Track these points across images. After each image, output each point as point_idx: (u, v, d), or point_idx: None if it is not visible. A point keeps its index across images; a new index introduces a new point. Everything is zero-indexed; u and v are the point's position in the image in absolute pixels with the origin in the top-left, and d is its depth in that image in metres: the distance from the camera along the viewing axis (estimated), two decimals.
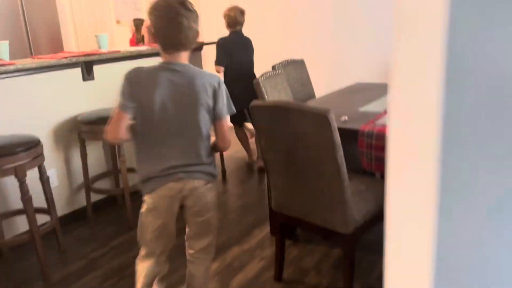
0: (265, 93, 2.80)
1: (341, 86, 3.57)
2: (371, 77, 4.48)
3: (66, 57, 2.86)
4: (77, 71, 3.07)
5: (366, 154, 2.17)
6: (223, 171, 3.94)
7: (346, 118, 2.45)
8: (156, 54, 3.64)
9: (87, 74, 3.13)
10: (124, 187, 2.97)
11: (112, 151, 3.31)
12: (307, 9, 4.74)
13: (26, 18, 5.52)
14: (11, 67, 2.55)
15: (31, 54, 5.54)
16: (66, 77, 3.00)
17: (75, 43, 6.01)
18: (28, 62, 2.77)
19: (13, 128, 2.72)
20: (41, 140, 2.61)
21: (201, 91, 1.68)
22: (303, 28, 4.81)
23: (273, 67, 3.43)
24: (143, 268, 1.81)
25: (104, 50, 3.25)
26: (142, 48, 3.45)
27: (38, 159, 2.41)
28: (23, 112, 2.78)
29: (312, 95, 3.69)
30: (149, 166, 1.71)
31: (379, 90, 3.27)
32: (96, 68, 3.17)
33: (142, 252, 1.83)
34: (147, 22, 1.71)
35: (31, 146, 2.36)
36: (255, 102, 2.03)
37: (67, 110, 3.05)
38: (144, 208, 1.75)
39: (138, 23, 5.28)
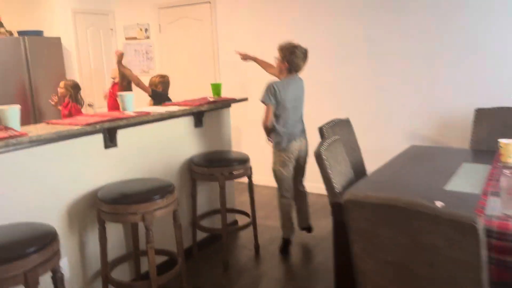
0: (328, 167, 2.33)
1: (388, 147, 3.13)
2: (420, 137, 4.07)
3: (88, 124, 2.38)
4: (98, 138, 2.59)
5: (489, 259, 1.66)
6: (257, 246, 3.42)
7: (443, 204, 1.96)
8: (186, 115, 3.20)
9: (110, 141, 2.65)
10: (152, 277, 2.41)
11: (134, 233, 2.78)
12: (344, 60, 4.39)
13: (30, 67, 5.11)
14: (25, 139, 2.07)
15: (33, 107, 5.09)
16: (85, 146, 2.52)
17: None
18: (43, 129, 2.29)
19: (20, 211, 2.20)
20: (53, 226, 2.10)
21: (304, 91, 3.33)
22: (342, 82, 4.44)
23: (322, 130, 3.00)
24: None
25: (129, 112, 2.79)
26: (173, 108, 3.00)
27: (53, 260, 1.87)
28: (33, 189, 2.26)
29: (361, 162, 3.23)
30: (284, 136, 3.20)
31: (445, 156, 2.84)
32: (120, 133, 2.70)
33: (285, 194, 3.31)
34: (279, 56, 3.22)
35: (46, 242, 1.84)
36: (351, 196, 1.55)
37: (85, 184, 2.54)
38: (278, 164, 3.25)
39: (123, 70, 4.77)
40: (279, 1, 4.66)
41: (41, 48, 5.18)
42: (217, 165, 3.09)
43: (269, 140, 3.31)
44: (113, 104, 4.80)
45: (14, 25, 5.45)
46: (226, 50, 5.14)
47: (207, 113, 3.42)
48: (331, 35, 4.40)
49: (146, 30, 5.76)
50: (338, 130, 3.11)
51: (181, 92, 5.62)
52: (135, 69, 5.98)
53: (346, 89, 4.41)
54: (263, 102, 3.15)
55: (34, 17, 5.62)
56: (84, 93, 5.66)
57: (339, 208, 2.13)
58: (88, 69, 5.76)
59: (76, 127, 2.33)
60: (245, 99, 3.68)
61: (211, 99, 3.45)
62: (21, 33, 5.20)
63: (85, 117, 2.65)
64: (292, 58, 3.12)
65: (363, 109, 4.33)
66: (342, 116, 3.80)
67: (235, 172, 3.12)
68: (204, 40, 5.30)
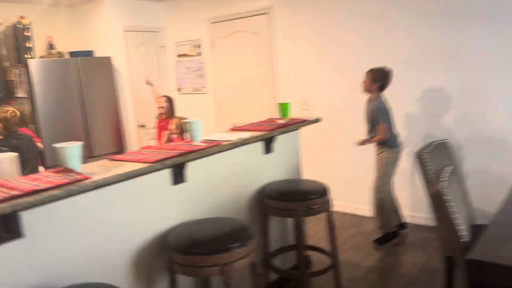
0: (451, 210, 1.86)
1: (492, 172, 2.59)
2: None
3: (158, 160, 2.04)
4: (166, 174, 2.25)
5: None
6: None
7: None
8: (258, 140, 2.82)
9: (178, 176, 2.30)
10: None
11: (205, 283, 2.40)
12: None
13: (83, 88, 4.93)
14: (88, 185, 1.74)
15: (85, 129, 4.90)
16: (152, 183, 2.18)
17: (131, 108, 5.36)
18: (106, 169, 1.97)
19: (79, 263, 1.88)
20: (118, 278, 1.75)
21: None
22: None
23: (420, 157, 2.53)
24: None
25: (198, 142, 2.43)
26: (244, 135, 2.62)
27: None
28: (94, 237, 1.94)
29: (467, 196, 2.72)
30: (395, 138, 3.66)
31: None
32: (189, 167, 2.35)
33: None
34: (370, 77, 3.64)
35: None
36: (477, 255, 1.08)
37: (152, 227, 2.19)
38: (389, 159, 3.62)
39: (170, 99, 4.76)
40: (345, 7, 4.25)
41: (93, 69, 5.01)
42: (294, 198, 2.68)
43: (360, 144, 3.82)
44: (161, 135, 4.68)
45: (63, 45, 5.32)
46: (285, 65, 4.77)
47: (277, 137, 3.03)
48: (403, 46, 3.92)
49: (198, 46, 5.49)
50: (439, 156, 2.63)
51: (235, 111, 5.29)
52: (186, 87, 5.71)
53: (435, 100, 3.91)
54: (382, 124, 3.55)
55: (84, 36, 5.48)
56: (136, 114, 5.45)
57: (475, 266, 1.66)
58: (139, 88, 5.55)
59: (144, 166, 1.98)
60: (316, 120, 3.27)
61: (282, 122, 3.05)
62: (72, 54, 5.05)
63: (152, 150, 2.31)
64: (384, 79, 3.59)
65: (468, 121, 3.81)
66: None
67: (314, 207, 2.69)
68: (260, 55, 4.95)
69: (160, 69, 5.78)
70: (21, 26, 4.79)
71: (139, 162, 2.06)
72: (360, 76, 4.19)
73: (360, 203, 4.34)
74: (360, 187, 4.34)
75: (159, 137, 4.70)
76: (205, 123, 5.67)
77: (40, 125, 4.58)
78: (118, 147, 5.27)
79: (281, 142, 3.08)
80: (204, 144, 2.36)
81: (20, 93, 4.73)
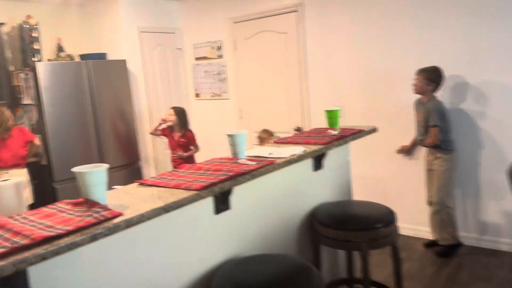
0: None
1: None
2: None
3: (205, 187, 1.59)
4: (208, 202, 1.80)
5: None
6: None
7: None
8: (312, 156, 2.36)
9: (222, 202, 1.85)
10: None
11: None
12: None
13: (94, 93, 4.50)
14: (120, 223, 1.30)
15: (96, 137, 4.47)
16: (191, 214, 1.73)
17: (146, 114, 4.93)
18: (139, 199, 1.52)
19: None
20: None
21: None
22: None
23: None
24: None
25: (245, 160, 1.98)
26: (297, 150, 2.16)
27: None
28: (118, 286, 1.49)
29: None
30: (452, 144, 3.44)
31: None
32: (235, 192, 1.90)
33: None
34: (423, 77, 3.41)
35: None
36: None
37: (190, 268, 1.74)
38: (445, 167, 3.40)
39: (178, 110, 4.36)
40: (386, 2, 3.80)
41: (106, 73, 4.58)
42: (354, 226, 2.22)
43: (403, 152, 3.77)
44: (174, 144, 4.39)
45: (73, 47, 4.90)
46: (317, 68, 4.32)
47: (328, 151, 2.58)
48: (457, 42, 3.46)
49: (218, 48, 5.06)
50: None
51: (259, 118, 4.85)
52: (205, 92, 5.28)
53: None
54: (435, 125, 3.31)
55: (95, 38, 5.06)
56: (152, 121, 5.01)
57: None
58: (155, 94, 5.11)
59: (188, 194, 1.53)
60: (374, 130, 2.81)
61: (334, 132, 2.60)
62: (83, 56, 4.63)
63: (190, 171, 1.86)
64: (438, 79, 3.38)
65: None
66: None
67: (380, 238, 2.23)
68: (288, 57, 4.51)
69: (176, 73, 5.35)
70: (27, 26, 4.37)
71: (178, 188, 1.61)
72: (403, 78, 3.74)
73: (405, 222, 3.87)
74: (406, 203, 3.87)
75: (170, 147, 4.43)
76: (227, 132, 5.26)
77: (48, 134, 4.15)
78: (133, 158, 4.83)
79: (331, 156, 2.62)
80: (254, 163, 1.91)
81: (27, 100, 4.31)
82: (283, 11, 4.46)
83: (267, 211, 2.15)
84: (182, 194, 1.54)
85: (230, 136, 2.06)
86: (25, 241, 1.15)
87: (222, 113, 5.18)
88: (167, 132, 4.40)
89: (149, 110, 5.03)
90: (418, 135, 3.57)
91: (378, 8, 3.83)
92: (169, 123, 4.31)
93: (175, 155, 4.33)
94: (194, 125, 5.42)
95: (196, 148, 4.39)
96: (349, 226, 2.23)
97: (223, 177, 1.69)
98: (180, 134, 4.32)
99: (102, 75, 4.55)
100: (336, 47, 4.15)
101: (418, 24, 3.64)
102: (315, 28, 4.27)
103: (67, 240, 1.18)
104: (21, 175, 3.86)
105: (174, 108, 4.36)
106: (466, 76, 3.47)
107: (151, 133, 4.56)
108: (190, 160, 4.32)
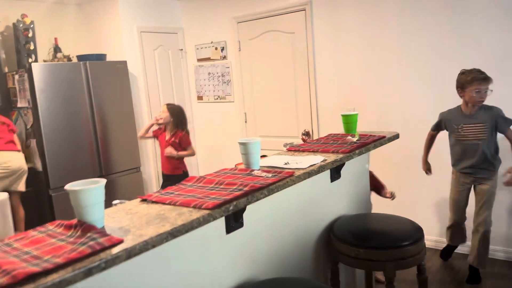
0: None
1: None
2: None
3: (214, 206, 1.38)
4: (219, 220, 1.59)
5: None
6: None
7: None
8: (332, 166, 2.16)
9: (235, 220, 1.64)
10: None
11: None
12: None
13: (92, 96, 4.29)
14: (120, 254, 1.08)
15: (96, 142, 4.26)
16: (201, 235, 1.52)
17: (148, 118, 4.70)
18: (144, 218, 1.31)
19: None
20: None
21: None
22: None
23: None
24: None
25: (260, 172, 1.77)
26: (317, 159, 1.95)
27: None
28: None
29: None
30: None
31: None
32: (248, 208, 1.69)
33: None
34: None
35: None
36: None
37: None
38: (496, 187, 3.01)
39: (172, 108, 3.90)
40: (397, 1, 3.59)
41: (105, 74, 4.37)
42: (379, 244, 2.01)
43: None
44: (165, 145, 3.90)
45: (71, 48, 4.69)
46: (326, 70, 4.11)
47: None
48: (481, 45, 3.26)
49: (222, 49, 4.85)
50: None
51: (264, 122, 4.64)
52: (208, 95, 5.07)
53: None
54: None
55: (93, 38, 4.85)
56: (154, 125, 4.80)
57: None
58: (156, 96, 4.90)
59: (199, 214, 1.32)
60: (397, 136, 2.60)
61: (353, 139, 2.39)
62: (81, 57, 4.42)
63: (199, 185, 1.65)
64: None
65: None
66: None
67: (408, 258, 2.02)
68: (296, 58, 4.31)
69: (178, 75, 5.14)
70: (22, 25, 4.16)
71: (187, 206, 1.40)
72: (417, 80, 3.53)
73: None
74: (423, 212, 3.66)
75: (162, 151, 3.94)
76: (231, 137, 5.07)
77: (43, 138, 3.93)
78: (134, 163, 4.61)
79: (350, 166, 2.41)
80: (270, 175, 1.69)
81: (22, 103, 4.10)
82: (290, 10, 4.26)
83: (282, 228, 1.94)
84: (191, 215, 1.32)
85: (242, 144, 1.85)
86: (3, 280, 0.94)
87: (226, 116, 4.97)
88: (158, 133, 3.97)
89: (150, 113, 4.82)
90: (468, 156, 3.01)
91: (391, 6, 3.63)
92: (160, 121, 3.85)
93: (166, 154, 3.81)
94: (196, 129, 5.22)
95: (191, 150, 3.88)
96: (372, 243, 2.02)
97: (238, 193, 1.47)
98: (171, 133, 3.83)
99: (101, 77, 4.34)
100: (346, 47, 3.95)
101: (435, 24, 3.43)
102: (323, 27, 4.07)
103: (55, 277, 0.96)
104: (16, 159, 3.72)
105: (168, 104, 3.92)
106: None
107: (140, 137, 4.12)
108: (181, 165, 3.90)
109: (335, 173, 2.30)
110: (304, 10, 4.16)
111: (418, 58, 3.55)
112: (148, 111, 4.80)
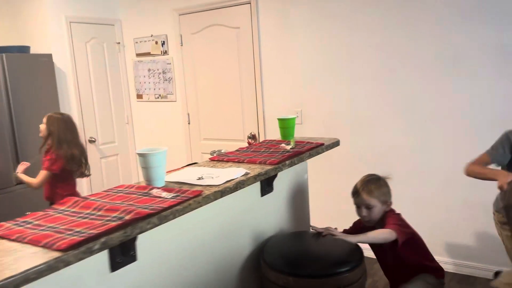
0: None
1: None
2: None
3: (63, 247, 1.01)
4: (96, 256, 1.22)
5: None
6: None
7: None
8: (257, 181, 1.83)
9: (122, 253, 1.28)
10: None
11: None
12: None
13: (10, 94, 3.79)
14: None
15: (14, 147, 3.76)
16: (66, 277, 1.15)
17: (78, 118, 4.23)
18: None
19: None
20: None
21: None
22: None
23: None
24: None
25: (161, 191, 1.41)
26: (238, 173, 1.61)
27: None
28: None
29: None
30: None
31: None
32: (142, 238, 1.33)
33: None
34: None
35: None
36: None
37: None
38: None
39: (51, 120, 3.00)
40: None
41: (26, 68, 3.87)
42: (310, 272, 1.71)
43: None
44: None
45: None
46: (273, 68, 3.81)
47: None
48: (433, 45, 3.05)
49: (163, 43, 4.45)
50: None
51: (209, 124, 4.29)
52: (148, 93, 4.65)
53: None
54: None
55: (15, 28, 4.32)
56: (85, 125, 4.33)
57: None
58: (89, 94, 4.44)
59: (45, 258, 0.95)
60: (336, 143, 2.31)
61: (287, 147, 2.08)
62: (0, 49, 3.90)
63: (72, 212, 1.27)
64: None
65: None
66: None
67: (346, 286, 1.72)
68: (241, 55, 3.97)
69: (115, 71, 4.68)
70: None
71: (36, 245, 1.03)
72: (372, 80, 3.29)
73: None
74: None
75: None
76: (173, 139, 4.67)
77: None
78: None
79: (285, 176, 2.10)
80: (170, 196, 1.34)
81: None
82: (235, 3, 3.92)
83: (197, 257, 1.60)
84: (33, 260, 0.95)
85: (141, 156, 1.48)
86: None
87: (168, 117, 4.57)
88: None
89: (81, 113, 4.35)
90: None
91: (341, 3, 3.36)
92: (40, 134, 3.06)
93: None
94: (136, 130, 4.79)
95: (35, 180, 2.97)
96: (302, 271, 1.71)
97: (114, 224, 1.12)
98: (45, 149, 3.02)
99: (22, 72, 3.83)
100: (294, 46, 3.66)
101: (386, 23, 3.19)
102: (270, 23, 3.76)
103: None
104: None
105: (48, 115, 3.04)
106: (448, 83, 3.06)
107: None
108: (62, 191, 2.99)
109: (266, 186, 1.98)
110: (249, 3, 3.83)
111: (369, 58, 3.31)
112: (79, 110, 4.32)
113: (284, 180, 2.09)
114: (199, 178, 1.58)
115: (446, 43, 2.99)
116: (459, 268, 3.13)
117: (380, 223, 1.94)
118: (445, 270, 3.13)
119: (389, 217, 1.94)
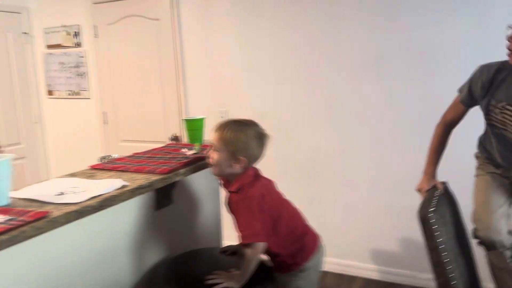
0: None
1: None
2: None
3: None
4: None
5: None
6: None
7: None
8: (138, 194, 1.53)
9: None
10: None
11: None
12: None
13: None
14: None
15: None
16: None
17: None
18: None
19: None
20: None
21: None
22: None
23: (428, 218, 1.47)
24: None
25: None
26: (111, 187, 1.32)
27: None
28: None
29: None
30: None
31: None
32: None
33: None
34: None
35: None
36: None
37: None
38: None
39: None
40: None
41: None
42: None
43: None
44: None
45: None
46: (197, 63, 3.53)
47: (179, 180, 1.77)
48: (362, 44, 2.91)
49: (75, 34, 4.02)
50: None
51: (128, 124, 3.92)
52: (60, 89, 4.19)
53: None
54: None
55: None
56: None
57: None
58: None
59: None
60: None
61: (189, 153, 1.81)
62: None
63: None
64: None
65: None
66: None
67: None
68: (162, 50, 3.65)
69: (23, 65, 4.18)
70: None
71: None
72: (301, 82, 3.11)
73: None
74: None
75: None
76: (88, 140, 4.25)
77: None
78: None
79: (190, 184, 1.83)
80: (3, 221, 1.03)
81: None
82: None
83: None
84: None
85: None
86: None
87: (82, 116, 4.14)
88: None
89: None
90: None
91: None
92: None
93: None
94: (47, 130, 4.31)
95: None
96: None
97: None
98: None
99: None
100: (218, 41, 3.39)
101: (310, 22, 3.02)
102: (192, 15, 3.47)
103: None
104: None
105: None
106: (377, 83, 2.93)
107: None
108: None
109: (163, 198, 1.70)
110: None
111: (294, 57, 3.12)
112: None
113: (188, 190, 1.82)
114: (59, 194, 1.27)
115: (370, 42, 2.86)
116: (384, 276, 3.02)
117: (233, 199, 1.57)
118: (370, 277, 3.06)
119: (241, 201, 1.51)
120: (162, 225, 1.72)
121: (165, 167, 1.56)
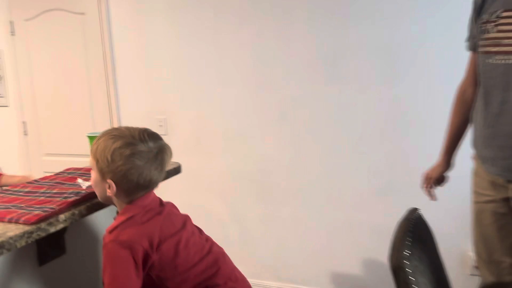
0: None
1: None
2: None
3: None
4: None
5: None
6: None
7: None
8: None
9: None
10: None
11: None
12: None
13: None
14: None
15: None
16: None
17: None
18: None
19: None
20: None
21: None
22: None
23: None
24: None
25: None
26: None
27: None
28: None
29: None
30: None
31: None
32: None
33: None
34: None
35: None
36: None
37: None
38: None
39: None
40: None
41: None
42: None
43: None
44: None
45: None
46: (129, 65, 3.05)
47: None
48: (308, 43, 2.55)
49: None
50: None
51: (52, 135, 3.38)
52: None
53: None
54: None
55: None
56: None
57: None
58: None
59: None
60: (177, 170, 1.65)
61: (85, 186, 1.35)
62: None
63: None
64: None
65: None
66: None
67: None
68: (89, 49, 3.15)
69: None
70: None
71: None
72: (247, 86, 2.71)
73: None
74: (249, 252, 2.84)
75: None
76: (5, 154, 3.65)
77: None
78: None
79: (87, 226, 1.38)
80: None
81: None
82: None
83: None
84: None
85: None
86: None
87: None
88: None
89: None
90: None
91: None
92: None
93: None
94: None
95: None
96: None
97: None
98: None
99: None
100: (153, 38, 2.93)
101: (256, 19, 2.63)
102: (122, 10, 3.00)
103: None
104: None
105: None
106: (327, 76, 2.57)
107: None
108: None
109: (51, 248, 1.24)
110: None
111: (239, 57, 2.72)
112: None
113: (87, 232, 1.37)
114: None
115: (321, 43, 2.50)
116: None
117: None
118: None
119: (104, 247, 1.09)
120: (49, 283, 1.26)
121: (37, 212, 1.09)
